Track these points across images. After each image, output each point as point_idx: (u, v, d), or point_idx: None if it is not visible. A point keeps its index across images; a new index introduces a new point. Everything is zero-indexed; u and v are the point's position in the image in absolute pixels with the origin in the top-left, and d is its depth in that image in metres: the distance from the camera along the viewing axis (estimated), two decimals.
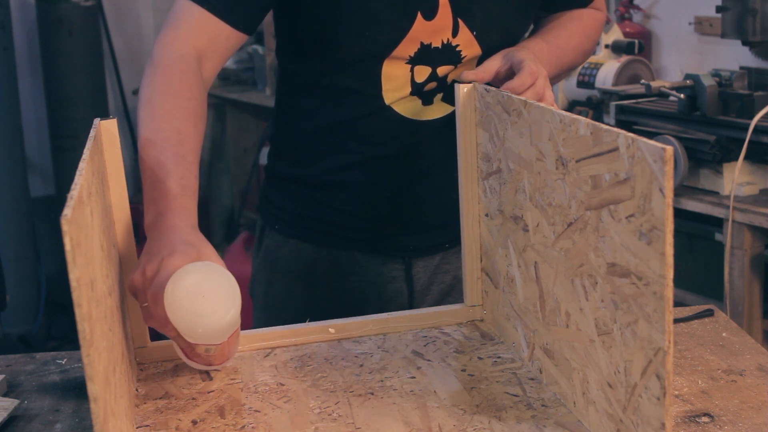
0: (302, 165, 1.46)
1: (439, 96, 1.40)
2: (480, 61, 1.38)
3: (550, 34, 1.45)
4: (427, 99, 1.39)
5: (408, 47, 1.34)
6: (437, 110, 1.40)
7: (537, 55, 1.34)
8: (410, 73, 1.37)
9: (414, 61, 1.36)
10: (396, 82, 1.37)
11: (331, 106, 1.41)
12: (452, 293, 1.52)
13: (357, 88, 1.38)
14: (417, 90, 1.38)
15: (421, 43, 1.34)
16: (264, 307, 1.54)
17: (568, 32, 1.47)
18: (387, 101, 1.38)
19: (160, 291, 1.05)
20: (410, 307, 1.49)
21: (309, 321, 1.30)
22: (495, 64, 1.31)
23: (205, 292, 1.06)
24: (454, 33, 1.35)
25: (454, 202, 1.33)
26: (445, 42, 1.35)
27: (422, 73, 1.37)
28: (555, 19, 1.50)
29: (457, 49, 1.36)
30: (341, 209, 1.45)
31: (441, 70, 1.37)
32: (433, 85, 1.38)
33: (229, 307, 1.08)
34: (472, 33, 1.36)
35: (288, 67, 1.46)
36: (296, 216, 1.48)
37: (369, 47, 1.34)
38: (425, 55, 1.35)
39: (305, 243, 1.48)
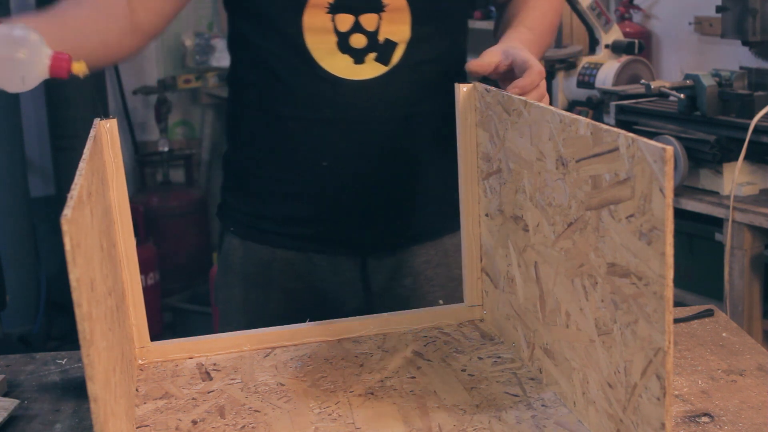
0: (246, 145, 1.45)
1: (372, 56, 1.36)
2: (411, 19, 1.36)
3: (528, 19, 1.43)
4: (358, 58, 1.36)
5: None
6: (370, 70, 1.36)
7: (529, 48, 1.31)
8: (332, 23, 1.34)
9: (334, 9, 1.33)
10: (319, 35, 1.34)
11: (263, 72, 1.39)
12: (412, 298, 1.47)
13: (282, 43, 1.36)
14: (344, 43, 1.35)
15: None
16: (225, 312, 1.51)
17: (541, 13, 1.45)
18: (315, 57, 1.35)
19: None
20: (368, 310, 1.41)
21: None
22: (495, 58, 1.27)
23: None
24: None
25: (409, 193, 1.27)
26: None
27: (345, 21, 1.34)
28: (521, 1, 1.47)
29: None
30: (286, 193, 1.42)
31: (365, 20, 1.35)
32: (362, 40, 1.35)
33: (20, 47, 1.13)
34: None
35: (231, 37, 1.46)
36: (249, 217, 1.46)
37: None
38: (345, 2, 1.33)
39: (259, 245, 1.46)
